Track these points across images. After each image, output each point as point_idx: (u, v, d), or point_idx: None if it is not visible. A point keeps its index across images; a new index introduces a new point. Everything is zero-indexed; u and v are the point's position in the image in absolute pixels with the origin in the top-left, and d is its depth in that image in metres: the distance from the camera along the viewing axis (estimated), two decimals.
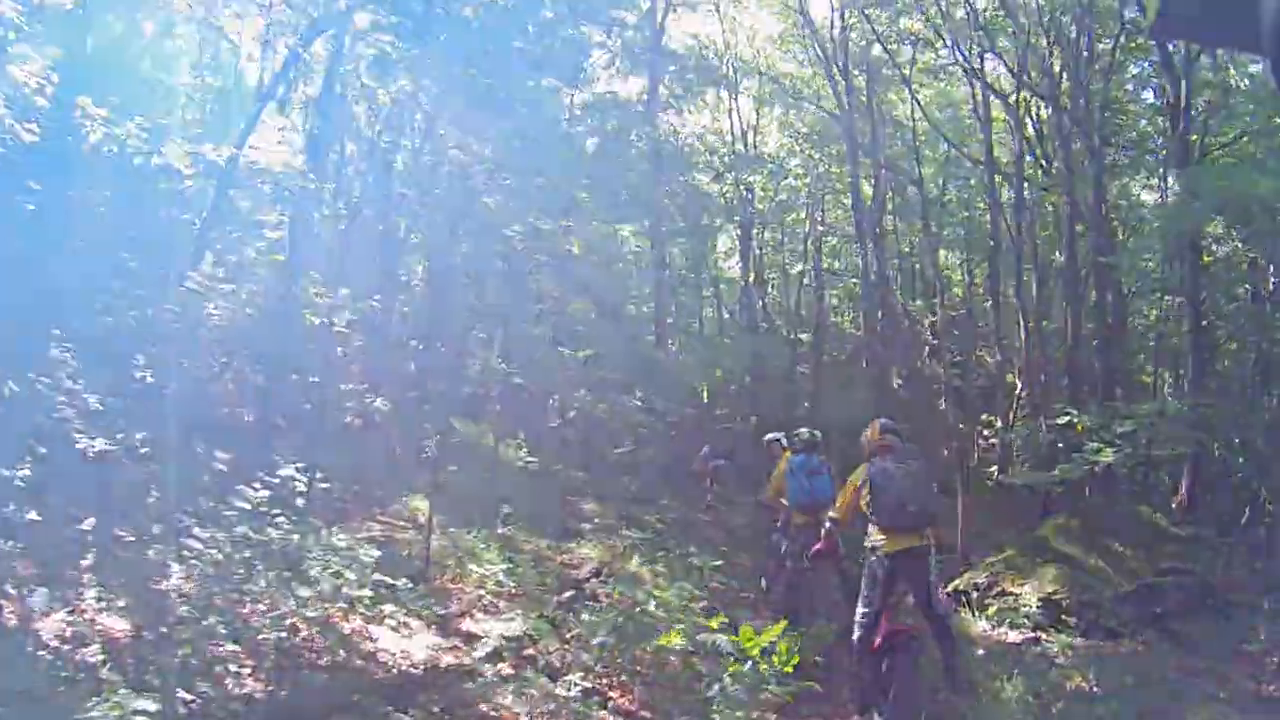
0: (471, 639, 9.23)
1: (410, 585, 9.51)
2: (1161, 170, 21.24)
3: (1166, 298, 22.01)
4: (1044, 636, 10.06)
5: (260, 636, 7.37)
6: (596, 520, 16.66)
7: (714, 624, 8.39)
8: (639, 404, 19.80)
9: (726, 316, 33.85)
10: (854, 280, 31.38)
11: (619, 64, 24.52)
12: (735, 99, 30.22)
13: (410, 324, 20.93)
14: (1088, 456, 11.62)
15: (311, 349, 17.50)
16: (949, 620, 8.38)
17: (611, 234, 29.85)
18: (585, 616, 9.40)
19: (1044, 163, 21.80)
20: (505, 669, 8.37)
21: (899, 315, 27.27)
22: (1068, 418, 12.91)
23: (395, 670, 8.23)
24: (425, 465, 17.74)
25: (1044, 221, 22.79)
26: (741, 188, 28.86)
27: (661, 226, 25.12)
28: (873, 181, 25.92)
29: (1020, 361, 22.43)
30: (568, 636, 9.31)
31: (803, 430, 12.09)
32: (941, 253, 29.93)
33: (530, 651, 8.91)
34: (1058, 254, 21.61)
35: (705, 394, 31.66)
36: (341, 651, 8.16)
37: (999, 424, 20.16)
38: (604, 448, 24.92)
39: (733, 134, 30.74)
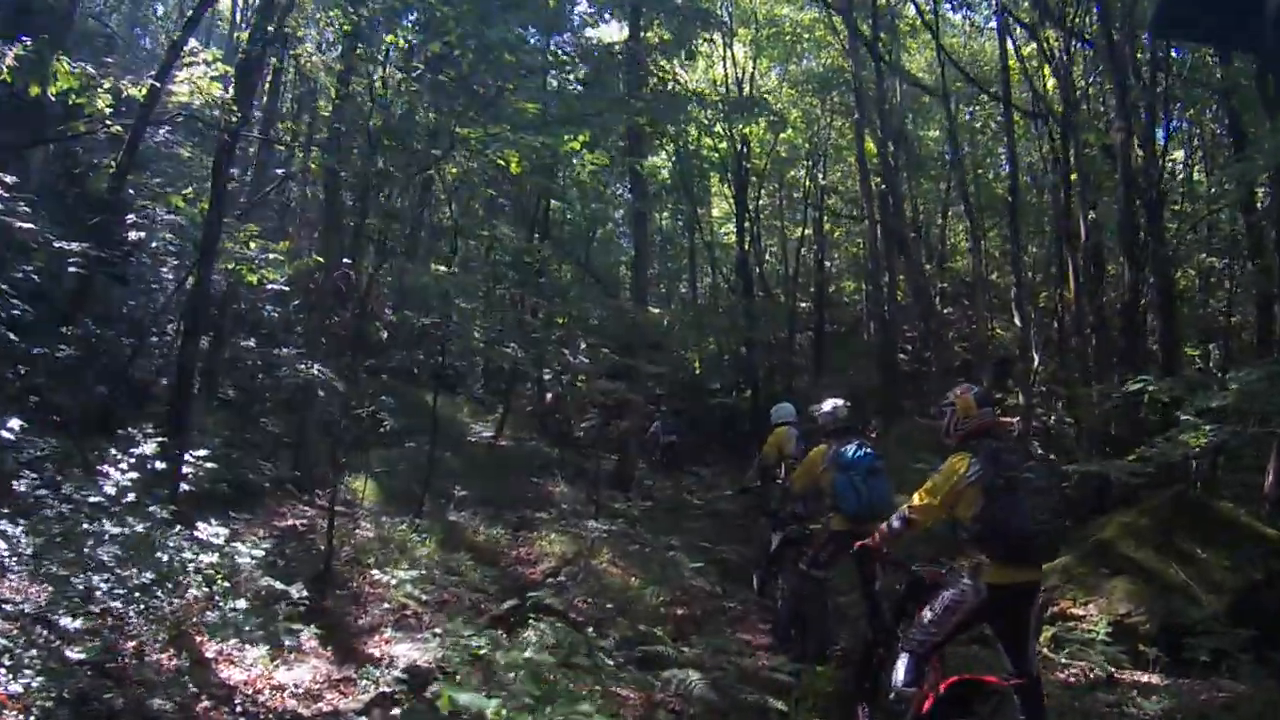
0: (377, 665, 7.08)
1: (304, 594, 7.43)
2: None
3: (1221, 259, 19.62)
4: (1118, 674, 7.73)
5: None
6: (565, 505, 14.50)
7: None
8: (616, 371, 17.41)
9: (723, 284, 31.44)
10: (858, 244, 29.29)
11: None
12: (730, 46, 27.59)
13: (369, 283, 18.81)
14: (1183, 437, 9.31)
15: (240, 309, 15.55)
16: (1040, 682, 5.74)
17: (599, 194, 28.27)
18: (527, 636, 7.20)
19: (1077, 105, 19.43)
20: None
21: (911, 281, 25.04)
22: (1141, 384, 10.58)
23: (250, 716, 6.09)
24: (375, 441, 16.00)
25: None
26: (737, 140, 26.54)
27: (647, 184, 22.47)
28: (879, 135, 23.51)
29: (1046, 330, 20.33)
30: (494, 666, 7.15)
31: (833, 404, 9.06)
32: (953, 217, 27.81)
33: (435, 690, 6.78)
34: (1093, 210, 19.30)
35: (697, 365, 29.61)
36: (191, 686, 6.03)
37: (1022, 400, 17.83)
38: (580, 422, 23.09)
39: (727, 84, 28.25)
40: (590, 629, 6.97)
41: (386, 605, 8.48)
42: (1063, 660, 8.08)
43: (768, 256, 32.69)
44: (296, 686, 6.58)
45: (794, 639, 8.92)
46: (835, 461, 8.41)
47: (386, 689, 6.35)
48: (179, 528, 7.11)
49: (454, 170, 14.26)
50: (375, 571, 9.17)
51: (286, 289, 14.97)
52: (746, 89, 27.56)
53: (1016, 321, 19.25)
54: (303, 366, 13.15)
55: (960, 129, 23.64)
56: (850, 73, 23.14)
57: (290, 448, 13.97)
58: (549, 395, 24.42)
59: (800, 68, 27.53)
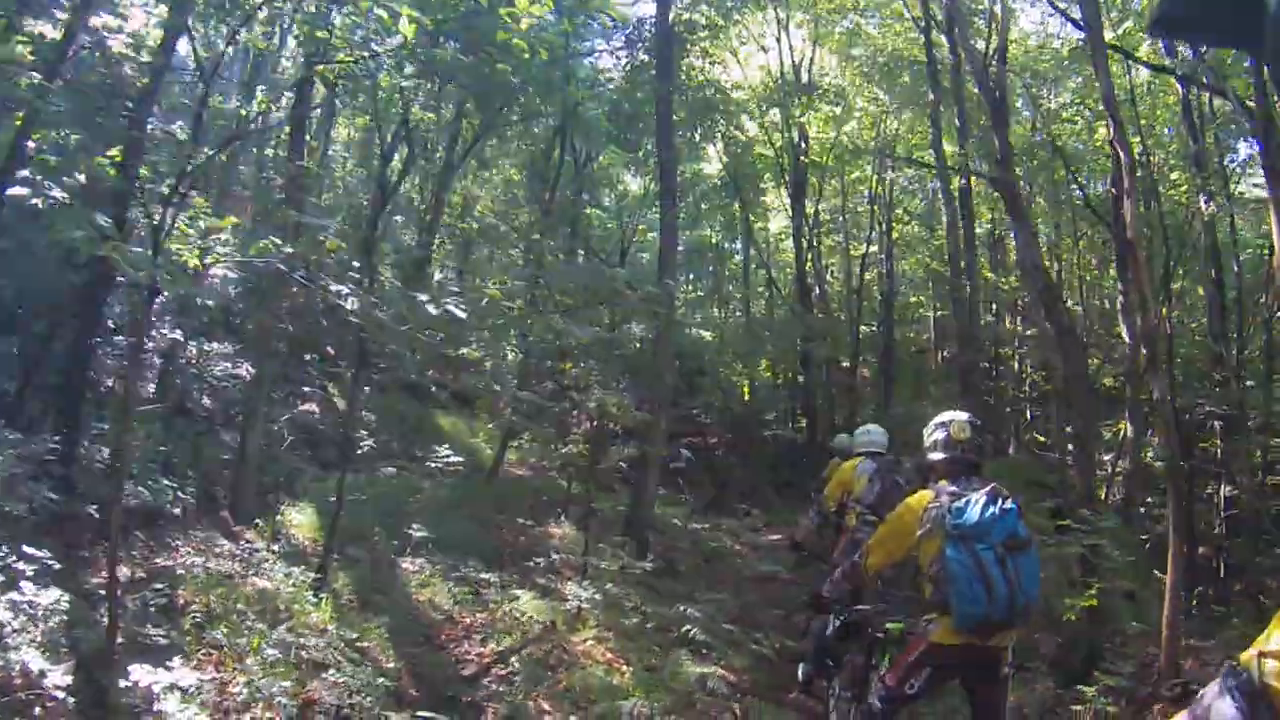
0: None
1: (65, 682, 5.13)
2: None
3: None
4: None
5: None
6: (559, 555, 11.33)
7: None
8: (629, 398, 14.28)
9: (778, 303, 28.35)
10: (929, 255, 25.98)
11: None
12: (786, 25, 24.28)
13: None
14: None
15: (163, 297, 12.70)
16: None
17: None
18: None
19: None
20: None
21: (984, 297, 21.80)
22: None
23: None
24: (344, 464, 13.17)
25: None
26: (793, 132, 23.42)
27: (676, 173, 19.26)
28: (956, 127, 20.21)
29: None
30: None
31: (948, 420, 5.40)
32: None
33: None
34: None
35: (745, 391, 26.55)
36: None
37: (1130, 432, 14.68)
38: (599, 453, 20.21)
39: (783, 73, 24.84)
40: None
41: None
42: None
43: (828, 271, 29.46)
44: None
45: None
46: (945, 524, 4.88)
47: None
48: None
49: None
50: (213, 649, 6.18)
51: (234, 275, 12.32)
52: (805, 78, 24.40)
53: (1124, 336, 15.77)
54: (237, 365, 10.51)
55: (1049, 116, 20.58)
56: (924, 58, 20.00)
57: (229, 468, 11.20)
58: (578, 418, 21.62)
59: (865, 52, 24.17)
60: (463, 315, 7.24)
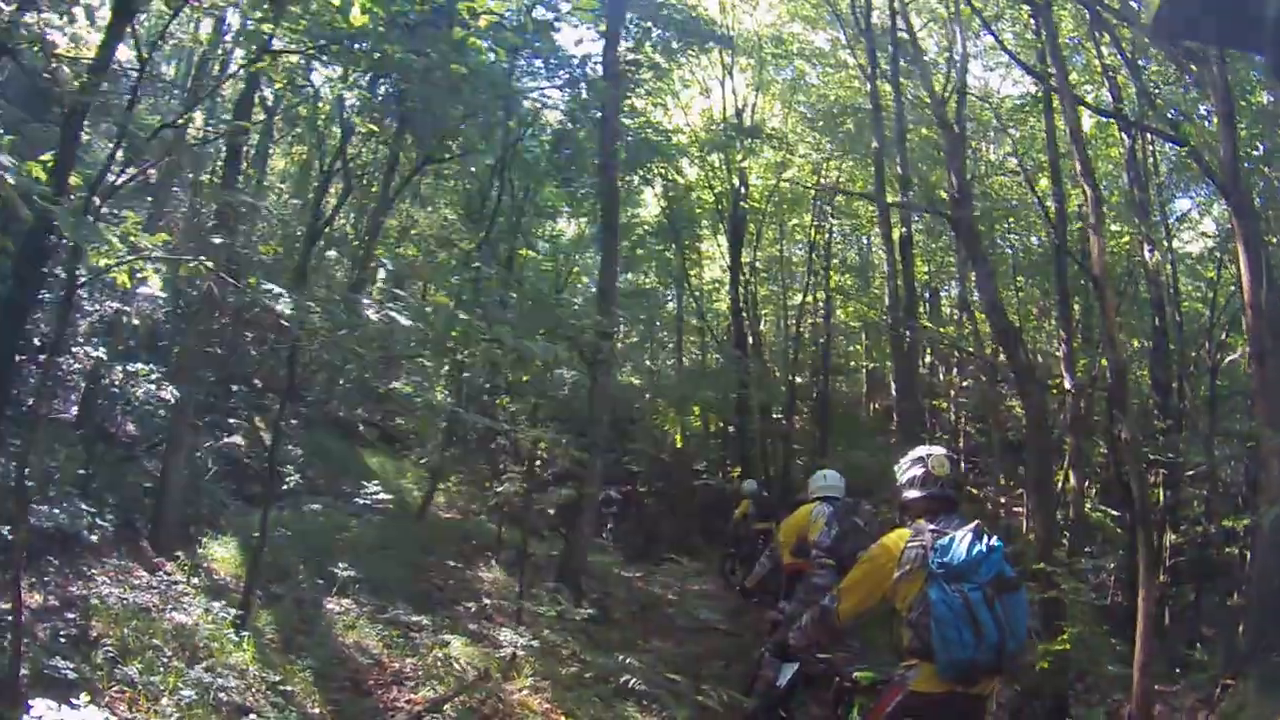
0: None
1: None
2: None
3: None
4: None
5: None
6: (490, 600, 10.90)
7: None
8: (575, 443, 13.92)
9: (711, 352, 28.17)
10: (867, 303, 25.91)
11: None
12: (731, 70, 24.38)
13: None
14: None
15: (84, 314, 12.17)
16: None
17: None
18: None
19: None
20: None
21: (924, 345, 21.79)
22: None
23: None
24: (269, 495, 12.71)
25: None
26: (734, 177, 23.30)
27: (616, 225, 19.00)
28: (899, 173, 20.16)
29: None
30: None
31: (924, 454, 4.98)
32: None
33: None
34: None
35: (678, 439, 26.26)
36: None
37: (1073, 482, 14.68)
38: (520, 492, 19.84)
39: (725, 116, 24.82)
40: None
41: None
42: None
43: (762, 320, 29.31)
44: None
45: None
46: (929, 563, 4.46)
47: None
48: None
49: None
50: (126, 686, 5.72)
51: (162, 295, 11.84)
52: (747, 122, 24.30)
53: (1067, 385, 15.67)
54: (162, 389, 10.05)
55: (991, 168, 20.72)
56: (868, 105, 19.99)
57: (150, 496, 10.70)
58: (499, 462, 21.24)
59: (808, 97, 24.19)
60: (406, 322, 6.91)
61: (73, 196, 8.08)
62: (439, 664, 8.19)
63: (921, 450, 5.06)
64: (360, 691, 7.27)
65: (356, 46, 8.31)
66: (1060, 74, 11.39)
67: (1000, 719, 8.73)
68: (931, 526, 4.59)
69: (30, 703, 4.47)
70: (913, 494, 4.88)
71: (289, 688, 6.60)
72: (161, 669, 6.02)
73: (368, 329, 7.47)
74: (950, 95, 17.05)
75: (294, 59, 9.11)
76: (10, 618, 6.21)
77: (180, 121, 9.21)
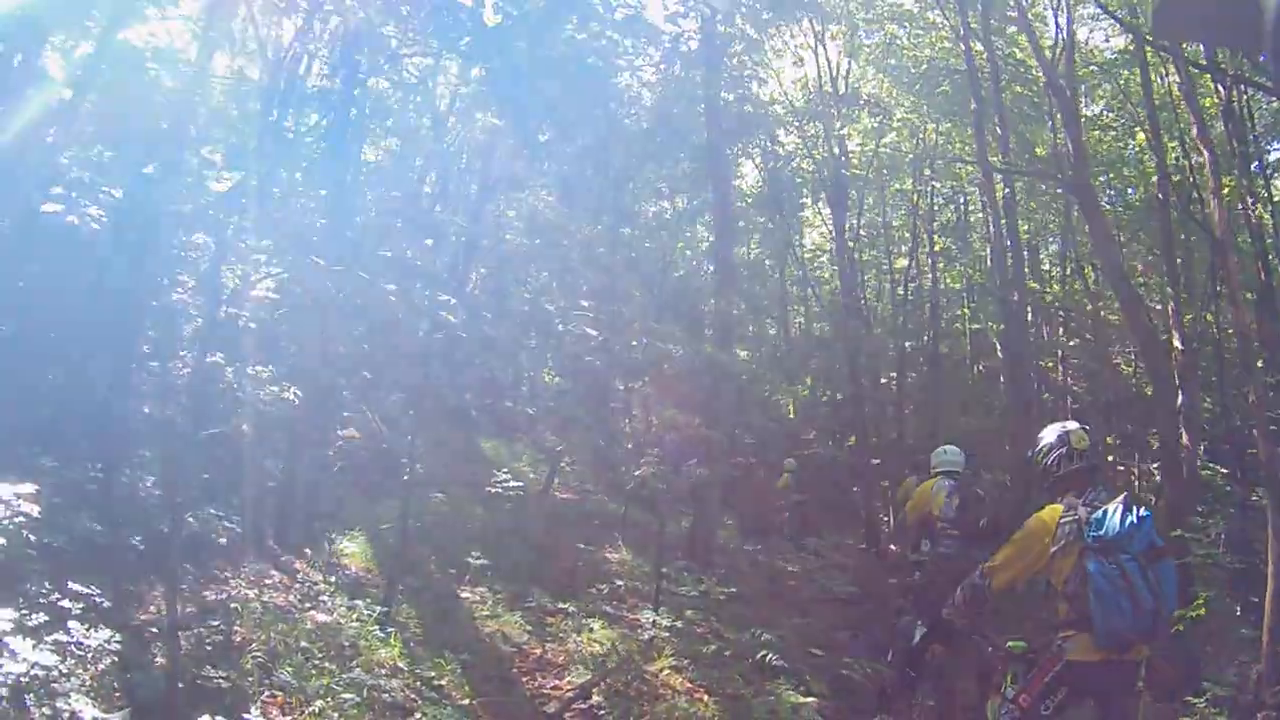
0: None
1: None
2: None
3: None
4: None
5: None
6: (621, 581, 10.83)
7: None
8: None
9: (816, 323, 27.89)
10: (970, 266, 25.49)
11: None
12: (822, 37, 23.76)
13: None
14: None
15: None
16: None
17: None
18: None
19: None
20: None
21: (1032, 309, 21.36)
22: None
23: None
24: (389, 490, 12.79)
25: None
26: (833, 145, 22.91)
27: (730, 200, 18.95)
28: (998, 134, 19.76)
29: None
30: None
31: (1061, 430, 5.15)
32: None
33: None
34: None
35: (791, 410, 26.03)
36: None
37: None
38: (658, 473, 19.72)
39: (819, 79, 24.36)
40: None
41: None
42: None
43: (868, 288, 28.89)
44: None
45: None
46: (1084, 536, 4.66)
47: None
48: None
49: None
50: (278, 691, 5.69)
51: (274, 296, 11.98)
52: (841, 88, 23.92)
53: (1177, 344, 15.32)
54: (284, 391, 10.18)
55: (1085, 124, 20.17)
56: (963, 66, 19.61)
57: (273, 495, 10.67)
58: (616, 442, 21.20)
59: (901, 60, 23.74)
60: (594, 332, 6.95)
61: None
62: (581, 649, 8.15)
63: (1059, 426, 5.24)
64: (507, 681, 7.26)
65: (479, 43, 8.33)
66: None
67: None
68: (1083, 501, 4.74)
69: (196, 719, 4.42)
70: (1059, 470, 5.03)
71: (440, 682, 6.57)
72: (313, 672, 6.01)
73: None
74: (1059, 56, 16.60)
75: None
76: (158, 629, 6.27)
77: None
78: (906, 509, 9.30)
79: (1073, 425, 5.21)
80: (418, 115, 19.63)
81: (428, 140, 18.91)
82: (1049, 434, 5.19)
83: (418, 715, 5.73)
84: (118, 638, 5.49)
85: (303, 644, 6.47)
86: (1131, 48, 17.05)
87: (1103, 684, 4.72)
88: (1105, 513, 4.65)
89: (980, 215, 25.20)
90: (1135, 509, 4.67)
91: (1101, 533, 4.59)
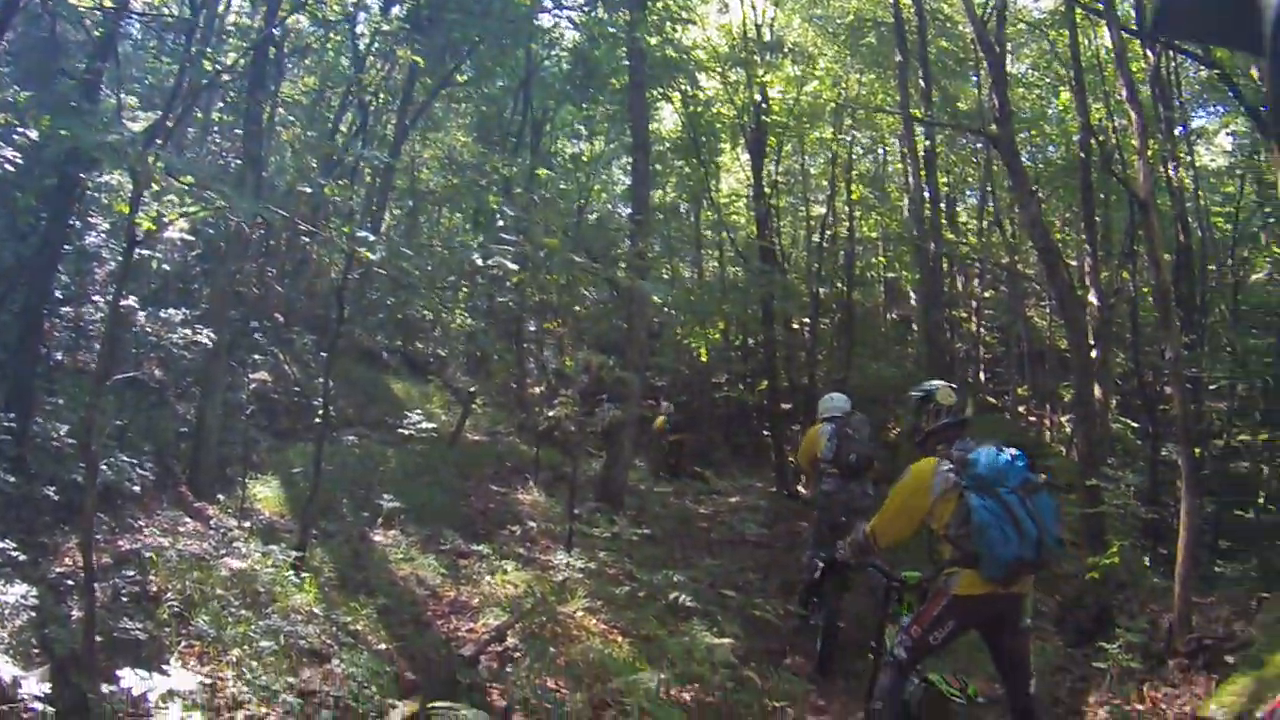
0: None
1: (42, 691, 4.50)
2: None
3: None
4: None
5: None
6: (534, 523, 10.94)
7: None
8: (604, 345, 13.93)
9: (731, 266, 27.95)
10: (887, 215, 25.74)
11: None
12: None
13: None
14: None
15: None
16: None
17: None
18: None
19: None
20: None
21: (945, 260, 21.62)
22: None
23: None
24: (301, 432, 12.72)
25: None
26: (754, 92, 22.91)
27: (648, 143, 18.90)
28: (921, 87, 19.98)
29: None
30: None
31: (931, 386, 5.63)
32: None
33: None
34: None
35: (703, 353, 26.13)
36: None
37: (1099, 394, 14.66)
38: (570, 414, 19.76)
39: (744, 26, 23.88)
40: None
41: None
42: None
43: (784, 234, 28.86)
44: None
45: None
46: (963, 477, 4.98)
47: None
48: None
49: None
50: (195, 641, 5.72)
51: (189, 238, 11.79)
52: (766, 36, 23.86)
53: (1093, 300, 15.76)
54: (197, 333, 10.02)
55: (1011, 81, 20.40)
56: (890, 18, 19.79)
57: (188, 440, 10.70)
58: (528, 383, 21.21)
59: (828, 10, 23.87)
60: (514, 266, 6.98)
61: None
62: (494, 590, 8.26)
63: (925, 385, 5.70)
64: (423, 624, 7.33)
65: None
66: (1107, 2, 11.34)
67: (1043, 628, 9.02)
68: (954, 450, 5.14)
69: (118, 673, 4.40)
70: (928, 425, 5.47)
71: (356, 627, 6.63)
72: (230, 619, 6.02)
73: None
74: (990, 14, 16.80)
75: None
76: (75, 582, 6.24)
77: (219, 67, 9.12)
78: (800, 453, 9.80)
79: (939, 383, 5.65)
80: (337, 54, 19.39)
81: (347, 79, 18.68)
82: (917, 394, 5.61)
83: (335, 661, 5.75)
84: (34, 592, 5.49)
85: (218, 591, 6.48)
86: (1063, 9, 17.35)
87: (987, 616, 5.08)
88: (980, 454, 5.01)
89: (899, 166, 25.58)
90: (1007, 449, 5.08)
91: (978, 471, 4.94)
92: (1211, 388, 15.30)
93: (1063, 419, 20.94)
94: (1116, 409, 17.06)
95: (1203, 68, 15.32)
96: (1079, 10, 15.93)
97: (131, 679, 4.30)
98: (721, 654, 6.85)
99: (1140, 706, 7.10)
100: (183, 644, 5.70)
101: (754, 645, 8.15)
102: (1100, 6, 12.28)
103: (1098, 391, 14.60)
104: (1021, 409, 22.80)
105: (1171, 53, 15.91)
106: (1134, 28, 15.65)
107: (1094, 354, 14.75)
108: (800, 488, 12.11)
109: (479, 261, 13.29)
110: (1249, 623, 8.15)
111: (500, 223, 15.72)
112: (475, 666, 6.41)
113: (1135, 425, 15.89)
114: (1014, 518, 4.81)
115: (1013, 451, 5.08)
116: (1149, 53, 15.74)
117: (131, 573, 6.58)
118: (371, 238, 7.35)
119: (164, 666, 4.70)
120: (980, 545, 4.84)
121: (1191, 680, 7.42)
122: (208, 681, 5.09)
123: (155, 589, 6.40)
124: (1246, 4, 1.65)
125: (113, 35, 9.90)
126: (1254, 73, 11.73)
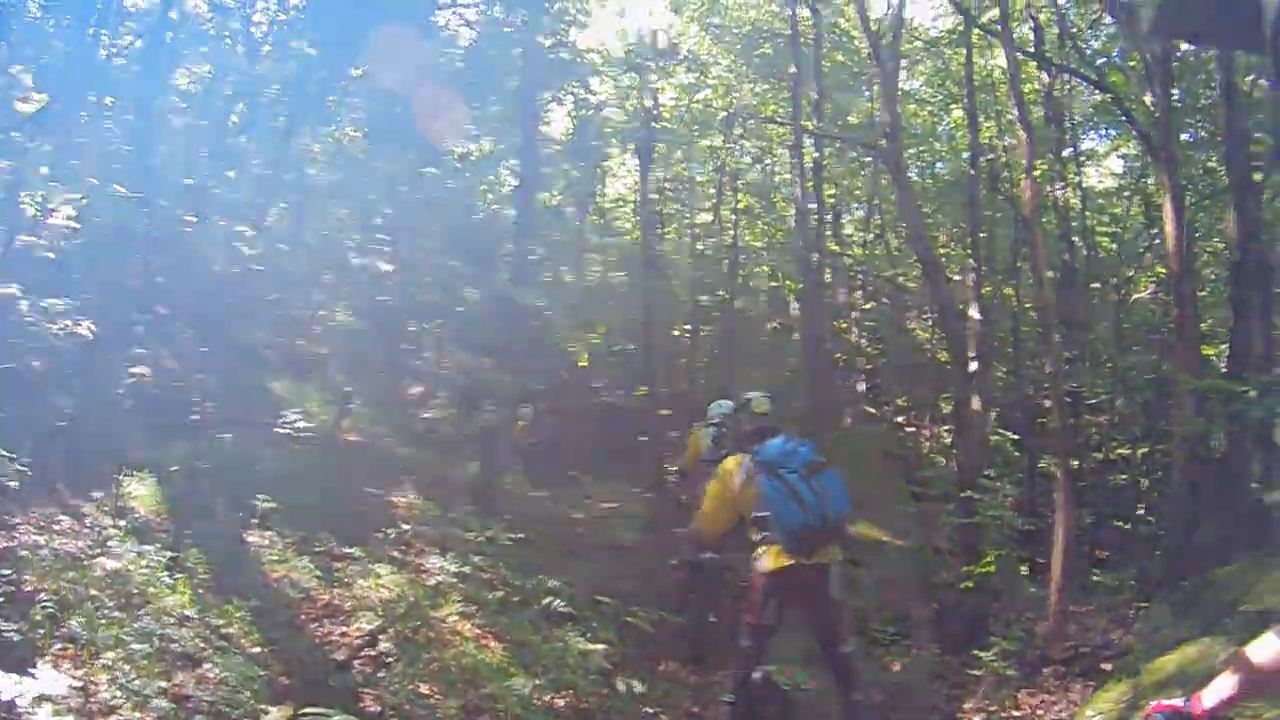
0: None
1: None
2: None
3: None
4: None
5: None
6: (409, 526, 11.02)
7: None
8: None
9: (615, 271, 28.11)
10: (772, 225, 26.21)
11: None
12: None
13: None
14: None
15: None
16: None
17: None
18: None
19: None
20: None
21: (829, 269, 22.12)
22: None
23: None
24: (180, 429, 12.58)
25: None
26: (646, 98, 23.14)
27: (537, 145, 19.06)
28: (813, 99, 20.45)
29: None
30: None
31: (743, 399, 7.77)
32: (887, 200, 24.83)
33: None
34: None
35: (584, 359, 26.27)
36: None
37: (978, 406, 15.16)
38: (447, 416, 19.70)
39: (639, 32, 24.44)
40: None
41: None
42: None
43: (668, 240, 29.29)
44: None
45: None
46: (754, 466, 6.21)
47: None
48: None
49: None
50: (69, 643, 5.74)
51: (75, 225, 11.68)
52: (662, 42, 24.05)
53: (974, 314, 16.28)
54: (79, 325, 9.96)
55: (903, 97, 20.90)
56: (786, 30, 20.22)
57: (65, 435, 10.35)
58: (406, 384, 21.16)
59: (725, 20, 24.21)
60: (388, 267, 7.08)
61: None
62: (369, 595, 8.35)
63: (746, 395, 7.48)
64: (296, 628, 7.37)
65: None
66: (1004, 24, 11.88)
67: (920, 636, 9.44)
68: (773, 443, 6.25)
69: None
70: (743, 430, 6.90)
71: (229, 630, 6.68)
72: (103, 621, 6.01)
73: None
74: (887, 30, 17.27)
75: None
76: None
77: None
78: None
79: (755, 393, 7.29)
80: (232, 42, 19.20)
81: (240, 68, 18.50)
82: (738, 403, 7.33)
83: (207, 665, 5.83)
84: None
85: (92, 592, 6.44)
86: (960, 28, 17.90)
87: (793, 586, 5.88)
88: (770, 444, 6.20)
89: (787, 176, 25.93)
90: (795, 440, 6.24)
91: (763, 455, 6.11)
92: (1091, 402, 15.97)
93: (942, 430, 21.56)
94: (997, 421, 17.66)
95: (1096, 91, 15.92)
96: (976, 31, 16.46)
97: (2, 682, 4.33)
98: (595, 660, 7.06)
99: (1016, 713, 7.47)
100: (56, 646, 5.66)
101: (628, 652, 8.35)
102: (998, 28, 12.77)
103: (976, 403, 15.11)
104: (900, 419, 23.41)
105: (1066, 75, 16.55)
106: (1030, 50, 16.26)
107: (973, 366, 15.26)
108: (683, 495, 12.69)
109: (355, 261, 13.39)
110: (1127, 631, 8.58)
111: (377, 221, 15.82)
112: (348, 671, 6.52)
113: (1015, 437, 16.52)
114: (796, 493, 5.84)
115: (799, 441, 6.24)
116: (1044, 74, 16.36)
117: (7, 571, 6.52)
118: (249, 233, 7.47)
119: (34, 670, 4.72)
120: (773, 521, 5.89)
121: (1068, 687, 7.81)
122: (80, 685, 5.13)
123: (29, 589, 6.35)
124: (1247, 4, 1.71)
125: (6, 12, 9.80)
126: (1147, 98, 12.27)
